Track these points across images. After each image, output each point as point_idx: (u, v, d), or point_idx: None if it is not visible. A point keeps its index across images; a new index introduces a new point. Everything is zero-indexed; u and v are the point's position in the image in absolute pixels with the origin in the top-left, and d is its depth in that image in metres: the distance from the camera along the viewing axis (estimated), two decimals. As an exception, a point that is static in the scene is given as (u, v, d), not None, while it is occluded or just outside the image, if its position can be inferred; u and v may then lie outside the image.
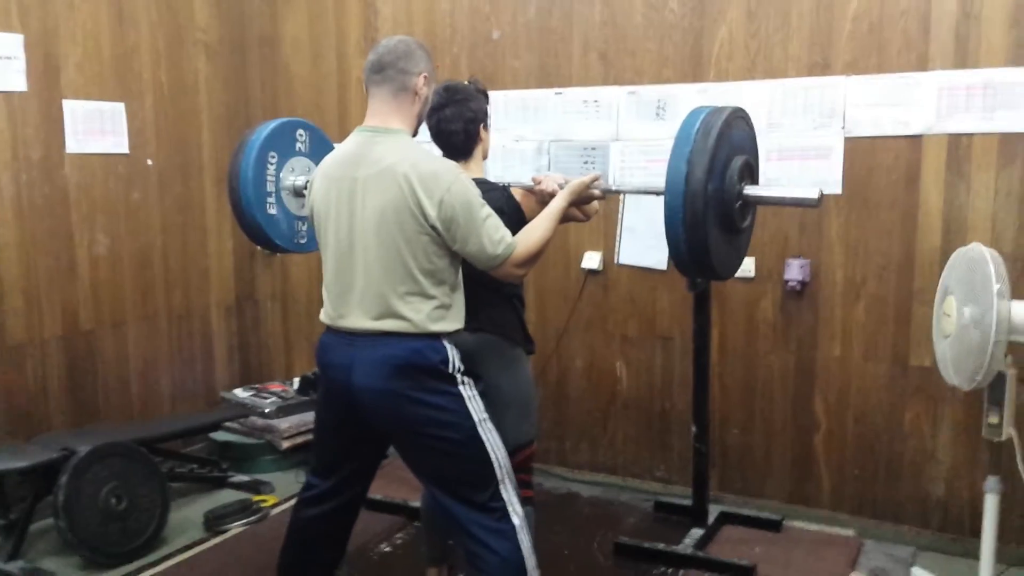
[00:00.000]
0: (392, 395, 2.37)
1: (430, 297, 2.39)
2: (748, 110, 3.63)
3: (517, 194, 2.77)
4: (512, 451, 2.60)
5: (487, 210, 2.40)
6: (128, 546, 3.44)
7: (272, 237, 3.16)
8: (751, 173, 2.81)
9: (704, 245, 2.57)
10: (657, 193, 2.72)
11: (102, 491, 3.37)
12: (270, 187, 3.14)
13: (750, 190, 2.75)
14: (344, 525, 2.71)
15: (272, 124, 3.17)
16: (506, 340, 2.75)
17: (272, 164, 3.14)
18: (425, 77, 2.49)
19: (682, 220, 2.53)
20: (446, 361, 2.39)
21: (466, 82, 2.81)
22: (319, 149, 3.18)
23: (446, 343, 2.42)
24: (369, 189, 2.39)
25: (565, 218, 2.69)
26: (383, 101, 2.48)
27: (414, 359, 2.37)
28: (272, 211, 3.14)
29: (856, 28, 3.43)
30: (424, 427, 2.39)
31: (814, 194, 2.70)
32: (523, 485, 2.68)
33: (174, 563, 3.42)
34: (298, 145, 3.22)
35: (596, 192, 2.75)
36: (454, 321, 2.45)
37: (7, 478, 3.45)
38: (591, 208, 2.87)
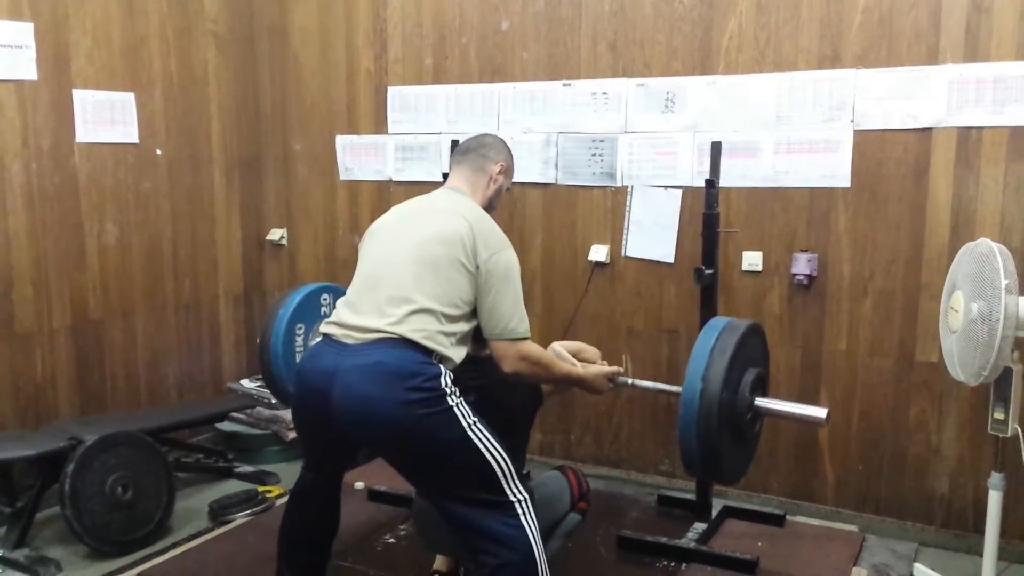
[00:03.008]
0: (375, 402, 2.32)
1: (440, 323, 2.42)
2: (756, 102, 3.64)
3: None
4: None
5: (522, 300, 2.51)
6: (133, 535, 3.46)
7: None
8: (762, 385, 2.92)
9: (716, 453, 2.68)
10: (671, 393, 2.94)
11: (108, 480, 3.39)
12: (299, 357, 3.22)
13: (761, 402, 2.85)
14: (334, 506, 2.75)
15: (297, 297, 3.30)
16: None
17: (299, 335, 3.27)
18: (503, 167, 2.70)
19: (695, 435, 2.65)
20: (438, 375, 2.37)
21: None
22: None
23: (438, 361, 2.41)
24: (425, 220, 2.54)
25: (570, 383, 2.87)
26: (461, 175, 2.70)
27: (405, 366, 2.34)
28: None
29: (866, 20, 3.40)
30: (412, 438, 2.35)
31: (822, 414, 2.82)
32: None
33: (179, 552, 3.43)
34: (322, 309, 3.36)
35: (608, 385, 2.92)
36: (453, 355, 2.45)
37: (14, 466, 3.48)
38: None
